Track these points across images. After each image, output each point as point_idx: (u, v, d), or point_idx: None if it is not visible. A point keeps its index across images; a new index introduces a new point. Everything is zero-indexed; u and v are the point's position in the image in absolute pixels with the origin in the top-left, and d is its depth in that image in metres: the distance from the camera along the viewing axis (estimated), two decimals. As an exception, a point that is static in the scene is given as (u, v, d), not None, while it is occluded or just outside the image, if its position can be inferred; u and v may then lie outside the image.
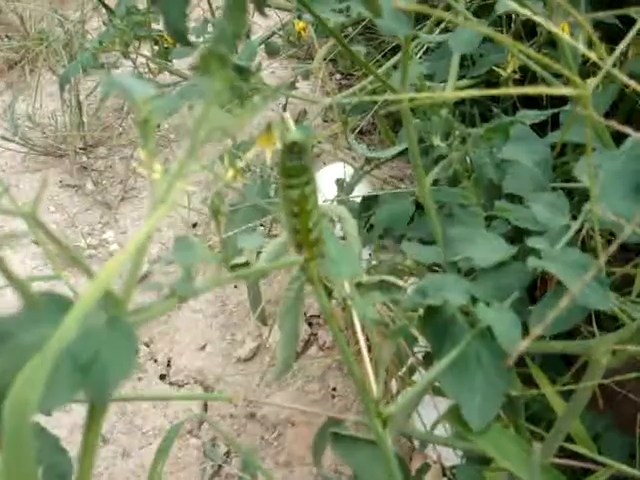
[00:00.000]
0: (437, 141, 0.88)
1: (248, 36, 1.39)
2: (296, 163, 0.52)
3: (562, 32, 0.72)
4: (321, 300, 0.56)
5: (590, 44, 0.85)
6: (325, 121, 1.76)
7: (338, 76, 1.96)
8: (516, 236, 0.86)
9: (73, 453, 0.46)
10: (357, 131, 1.70)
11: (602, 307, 0.60)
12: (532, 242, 0.66)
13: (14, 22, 2.03)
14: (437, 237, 0.77)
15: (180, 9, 0.54)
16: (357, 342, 0.71)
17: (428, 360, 0.83)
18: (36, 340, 0.38)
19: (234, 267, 0.75)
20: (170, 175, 0.41)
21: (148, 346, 1.31)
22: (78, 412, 1.14)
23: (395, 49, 1.58)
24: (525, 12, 0.60)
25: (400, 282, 0.67)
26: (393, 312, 0.74)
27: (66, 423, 1.14)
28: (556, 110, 0.91)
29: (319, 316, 1.26)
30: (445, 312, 0.63)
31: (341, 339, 0.52)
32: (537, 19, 0.59)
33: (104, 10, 1.52)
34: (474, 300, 0.62)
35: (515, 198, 0.89)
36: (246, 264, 0.72)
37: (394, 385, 0.99)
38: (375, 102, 1.50)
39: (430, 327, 0.63)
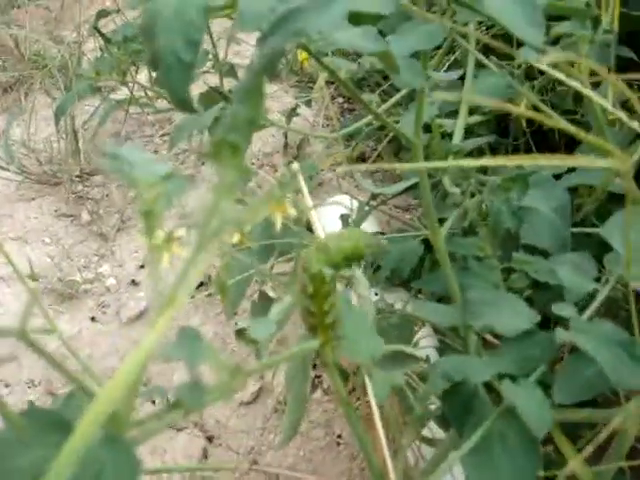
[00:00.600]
0: (452, 188, 0.84)
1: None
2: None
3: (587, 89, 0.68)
4: (338, 387, 0.52)
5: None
6: (327, 147, 1.72)
7: (340, 99, 1.92)
8: (534, 289, 0.83)
9: None
10: (360, 158, 1.66)
11: (636, 386, 0.56)
12: (558, 309, 0.62)
13: (8, 45, 1.99)
14: (453, 295, 0.73)
15: (184, 80, 0.50)
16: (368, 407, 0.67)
17: (443, 420, 0.78)
18: (26, 465, 0.34)
19: (238, 333, 0.70)
20: (178, 274, 0.37)
21: (145, 386, 1.26)
22: None
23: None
24: (551, 72, 0.56)
25: (417, 353, 0.63)
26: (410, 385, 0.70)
27: None
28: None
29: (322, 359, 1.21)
30: (467, 387, 0.59)
31: (362, 435, 0.48)
32: (568, 81, 0.55)
33: (96, 31, 1.48)
34: (499, 375, 0.58)
35: (533, 249, 0.85)
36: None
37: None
38: (380, 130, 1.46)
39: (451, 403, 0.59)
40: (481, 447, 0.56)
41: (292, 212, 0.52)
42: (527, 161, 0.48)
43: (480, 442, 0.56)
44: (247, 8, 0.49)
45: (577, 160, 0.55)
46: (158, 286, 0.40)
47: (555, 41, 0.66)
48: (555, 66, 0.59)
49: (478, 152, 1.22)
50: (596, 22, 0.60)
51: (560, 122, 0.48)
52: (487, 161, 0.48)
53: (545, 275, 0.77)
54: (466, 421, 0.58)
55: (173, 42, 0.47)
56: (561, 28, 0.60)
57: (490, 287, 0.77)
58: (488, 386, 0.60)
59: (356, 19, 0.59)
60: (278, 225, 0.59)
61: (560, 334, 0.58)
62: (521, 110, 0.66)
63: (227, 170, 0.37)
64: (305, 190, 0.84)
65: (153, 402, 1.18)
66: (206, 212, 0.37)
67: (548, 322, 0.73)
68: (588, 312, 0.62)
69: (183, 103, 0.49)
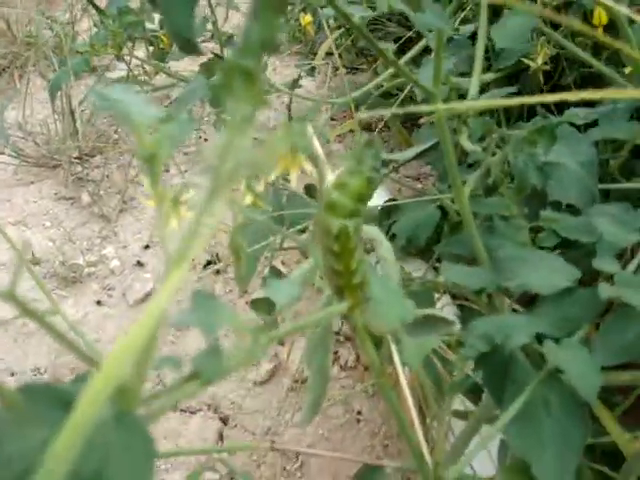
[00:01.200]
0: (472, 145, 0.79)
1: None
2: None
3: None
4: (370, 355, 0.47)
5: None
6: (333, 119, 1.67)
7: (343, 71, 1.87)
8: (563, 248, 0.78)
9: None
10: (366, 129, 1.60)
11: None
12: (600, 264, 0.57)
13: (0, 27, 1.94)
14: (480, 256, 0.68)
15: (186, 13, 0.45)
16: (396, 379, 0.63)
17: (473, 389, 0.73)
18: (24, 450, 0.29)
19: (254, 303, 0.66)
20: (189, 225, 0.32)
21: (156, 370, 1.22)
22: None
23: (398, 40, 1.48)
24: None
25: (449, 317, 0.58)
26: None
27: None
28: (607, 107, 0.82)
29: (338, 333, 1.17)
30: (504, 350, 0.54)
31: (399, 411, 0.43)
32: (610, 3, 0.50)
33: (94, 11, 1.43)
34: (539, 336, 0.53)
35: (559, 206, 0.80)
36: (267, 299, 0.63)
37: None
38: (390, 99, 1.41)
39: (487, 369, 0.54)
40: (524, 415, 0.52)
41: (308, 168, 0.47)
42: (571, 97, 0.43)
43: (522, 409, 0.51)
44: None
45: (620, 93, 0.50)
46: (166, 242, 0.35)
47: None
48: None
49: (490, 114, 1.17)
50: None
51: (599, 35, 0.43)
52: (528, 99, 0.43)
53: (576, 232, 0.72)
54: (505, 388, 0.54)
55: (173, -27, 0.42)
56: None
57: (519, 247, 0.72)
58: (525, 349, 0.56)
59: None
60: (294, 182, 0.54)
61: (604, 289, 0.53)
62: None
63: (241, 101, 0.32)
64: (321, 153, 0.79)
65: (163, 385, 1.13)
66: (219, 152, 0.32)
67: (580, 283, 0.68)
68: (631, 266, 0.57)
69: (186, 42, 0.44)
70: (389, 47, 0.85)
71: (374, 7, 0.89)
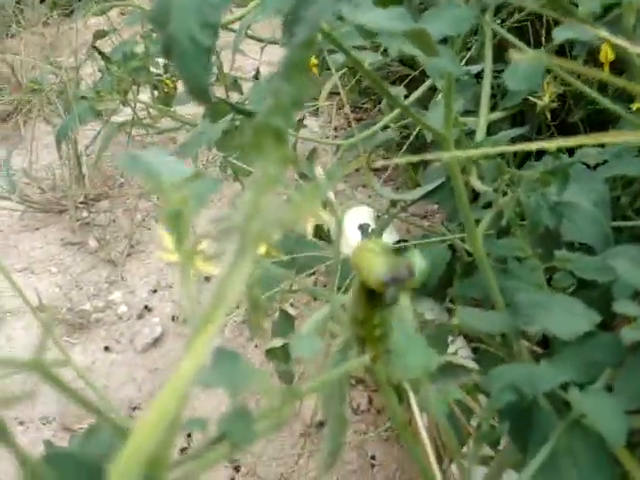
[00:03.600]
0: (483, 186, 0.78)
1: (257, 77, 1.31)
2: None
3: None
4: (394, 409, 0.46)
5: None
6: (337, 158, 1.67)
7: (347, 109, 1.88)
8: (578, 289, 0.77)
9: None
10: (372, 167, 1.60)
11: None
12: (620, 307, 0.56)
13: (5, 72, 1.95)
14: (496, 300, 0.68)
15: (200, 64, 0.45)
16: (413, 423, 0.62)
17: (489, 436, 0.72)
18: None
19: (270, 352, 0.65)
20: (216, 287, 0.32)
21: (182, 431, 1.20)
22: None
23: (402, 79, 1.49)
24: (604, 35, 0.51)
25: (469, 364, 0.57)
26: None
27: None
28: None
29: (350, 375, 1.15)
30: (527, 398, 0.53)
31: (424, 461, 0.42)
32: (621, 43, 0.50)
33: (98, 55, 1.44)
34: (561, 383, 0.53)
35: (572, 246, 0.80)
36: (283, 348, 0.62)
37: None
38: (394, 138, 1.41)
39: (511, 417, 0.53)
40: (550, 464, 0.51)
41: (325, 217, 0.47)
42: (588, 140, 0.43)
43: (548, 459, 0.50)
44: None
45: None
46: (190, 303, 0.35)
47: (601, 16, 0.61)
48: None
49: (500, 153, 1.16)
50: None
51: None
52: (547, 144, 0.42)
53: (592, 272, 0.71)
54: (528, 436, 0.53)
55: (188, 24, 0.42)
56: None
57: (534, 288, 0.72)
58: (548, 396, 0.55)
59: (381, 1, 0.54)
60: (310, 234, 0.53)
61: (627, 334, 0.52)
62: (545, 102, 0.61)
63: (269, 160, 0.31)
64: (332, 197, 0.79)
65: (189, 435, 1.12)
66: (246, 211, 0.32)
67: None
68: (653, 308, 0.56)
69: (200, 92, 0.44)
70: (400, 92, 0.85)
71: (377, 46, 0.89)
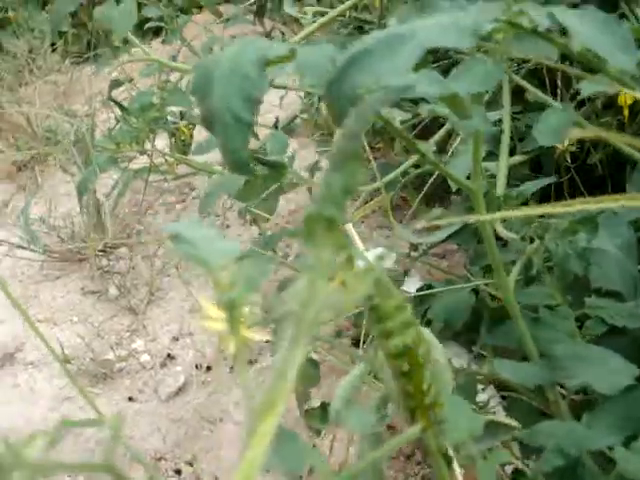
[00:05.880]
0: (510, 234, 0.79)
1: (276, 126, 1.32)
2: (389, 301, 0.43)
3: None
4: (443, 474, 0.46)
5: None
6: (354, 199, 1.67)
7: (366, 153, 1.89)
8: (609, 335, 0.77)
9: None
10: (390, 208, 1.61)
11: None
12: (659, 360, 0.56)
13: (20, 123, 1.97)
14: (530, 350, 0.68)
15: (241, 138, 0.46)
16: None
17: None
18: None
19: (308, 414, 0.65)
20: (274, 374, 0.32)
21: (192, 465, 1.20)
22: None
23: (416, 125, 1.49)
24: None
25: (513, 422, 0.57)
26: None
27: None
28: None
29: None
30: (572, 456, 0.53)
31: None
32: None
33: (115, 105, 1.45)
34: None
35: (600, 291, 0.80)
36: (323, 407, 0.62)
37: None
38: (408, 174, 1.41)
39: (557, 477, 0.53)
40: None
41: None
42: (610, 203, 0.43)
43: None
44: (308, 58, 0.44)
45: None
46: (250, 387, 0.35)
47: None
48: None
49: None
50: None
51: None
52: (559, 207, 0.43)
53: (624, 319, 0.71)
54: (575, 493, 0.53)
55: (229, 100, 0.43)
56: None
57: (566, 337, 0.72)
58: (592, 453, 0.55)
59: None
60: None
61: (670, 389, 0.52)
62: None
63: (322, 248, 0.32)
64: (360, 245, 0.79)
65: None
66: (301, 299, 0.32)
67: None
68: (692, 360, 0.56)
69: (240, 165, 0.44)
70: (429, 148, 0.85)
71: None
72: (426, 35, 0.40)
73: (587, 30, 0.42)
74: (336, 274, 0.33)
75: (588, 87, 0.59)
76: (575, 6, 0.74)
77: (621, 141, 0.49)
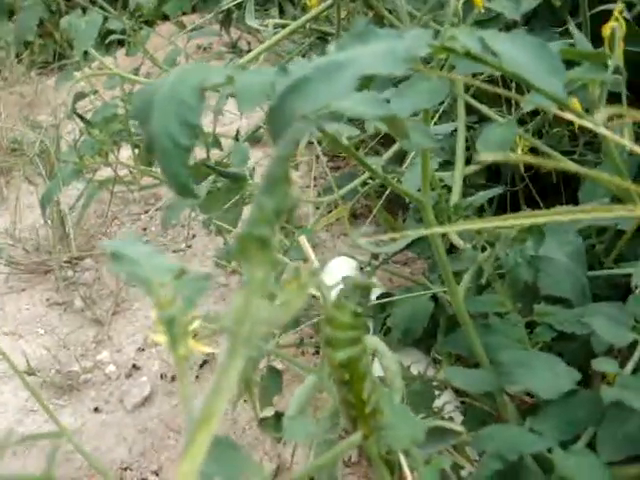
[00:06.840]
0: (462, 243, 0.81)
1: (237, 137, 1.33)
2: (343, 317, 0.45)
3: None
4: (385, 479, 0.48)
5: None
6: (317, 208, 1.69)
7: (324, 158, 1.90)
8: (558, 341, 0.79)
9: None
10: (352, 216, 1.63)
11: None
12: (599, 365, 0.58)
13: (-16, 134, 1.97)
14: (480, 358, 0.70)
15: (181, 162, 0.47)
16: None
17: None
18: None
19: (262, 422, 0.66)
20: (212, 386, 0.33)
21: (157, 475, 1.21)
22: None
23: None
24: (571, 117, 0.53)
25: (458, 427, 0.59)
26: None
27: None
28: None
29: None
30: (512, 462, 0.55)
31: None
32: (585, 123, 0.52)
33: (75, 115, 1.46)
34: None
35: (548, 298, 0.82)
36: (277, 417, 0.64)
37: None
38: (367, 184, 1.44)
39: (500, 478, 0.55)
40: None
41: (312, 292, 0.49)
42: (558, 217, 0.45)
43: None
44: (245, 85, 0.46)
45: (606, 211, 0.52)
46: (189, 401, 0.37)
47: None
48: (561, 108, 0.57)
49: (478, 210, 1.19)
50: (604, 64, 0.58)
51: (570, 164, 0.46)
52: (508, 219, 0.45)
53: (572, 326, 0.74)
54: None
55: (168, 125, 0.45)
56: (575, 73, 0.58)
57: (515, 344, 0.74)
58: (534, 456, 0.57)
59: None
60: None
61: (607, 394, 0.54)
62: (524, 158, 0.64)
63: (256, 266, 0.33)
64: (313, 257, 0.81)
65: None
66: (236, 315, 0.34)
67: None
68: (630, 365, 0.59)
69: (181, 188, 0.46)
70: (378, 163, 0.87)
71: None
72: (363, 62, 0.42)
73: (517, 54, 0.44)
74: (271, 290, 0.35)
75: (528, 103, 0.61)
76: (511, 27, 0.77)
77: (548, 164, 0.51)
